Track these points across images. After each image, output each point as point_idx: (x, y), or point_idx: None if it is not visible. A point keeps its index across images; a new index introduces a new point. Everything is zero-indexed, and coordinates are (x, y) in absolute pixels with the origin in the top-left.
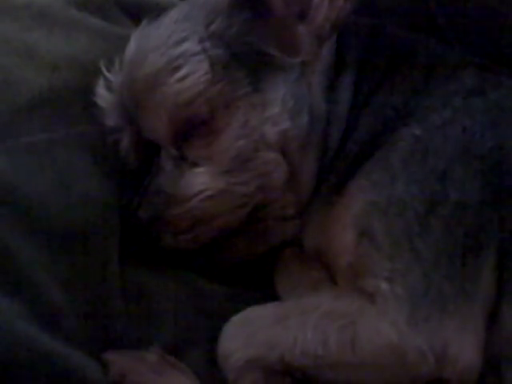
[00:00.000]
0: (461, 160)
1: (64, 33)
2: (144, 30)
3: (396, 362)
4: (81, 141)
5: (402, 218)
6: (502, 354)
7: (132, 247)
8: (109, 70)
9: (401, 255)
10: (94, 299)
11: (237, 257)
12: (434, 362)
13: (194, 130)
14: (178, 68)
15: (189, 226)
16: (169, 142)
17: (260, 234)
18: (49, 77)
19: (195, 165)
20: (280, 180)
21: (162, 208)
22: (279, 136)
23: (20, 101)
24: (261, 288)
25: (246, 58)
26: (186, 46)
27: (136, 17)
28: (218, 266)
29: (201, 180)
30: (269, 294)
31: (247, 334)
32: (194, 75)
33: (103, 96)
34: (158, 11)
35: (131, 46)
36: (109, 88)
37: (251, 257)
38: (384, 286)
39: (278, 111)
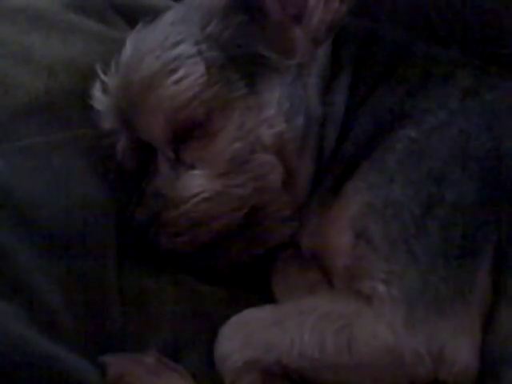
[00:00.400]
0: (457, 162)
1: (60, 36)
2: (140, 33)
3: (393, 364)
4: (77, 144)
5: (398, 220)
6: (500, 355)
7: (129, 250)
8: (105, 73)
9: (397, 257)
10: (91, 302)
11: (234, 259)
12: (431, 364)
13: (190, 132)
14: (173, 70)
15: (186, 229)
16: (165, 144)
17: (257, 235)
18: (45, 80)
19: (192, 167)
20: (276, 182)
21: (159, 210)
22: (275, 138)
23: (17, 104)
24: (258, 290)
25: (242, 61)
26: (181, 48)
27: (132, 20)
28: (215, 268)
29: (197, 182)
30: (266, 296)
31: (244, 335)
32: (189, 77)
33: (99, 99)
34: (154, 14)
35: (127, 49)
36: (105, 91)
37: (248, 259)
38: (381, 288)
39: (274, 113)
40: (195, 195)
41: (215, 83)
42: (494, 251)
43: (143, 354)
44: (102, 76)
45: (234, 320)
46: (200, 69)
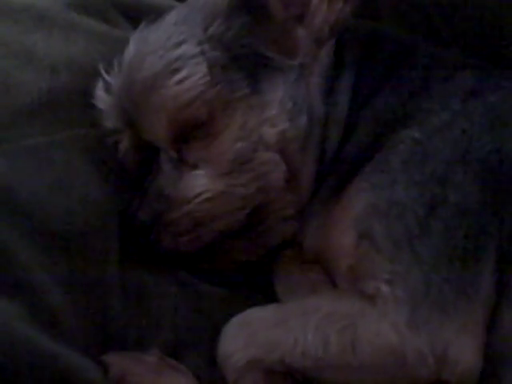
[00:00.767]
0: (460, 163)
1: (63, 35)
2: (143, 33)
3: (396, 364)
4: (80, 143)
5: (401, 221)
6: (502, 355)
7: (132, 249)
8: (108, 73)
9: (401, 257)
10: (93, 300)
11: (237, 259)
12: (434, 364)
13: (192, 132)
14: (176, 70)
15: (188, 228)
16: (168, 144)
17: (259, 235)
18: (48, 79)
19: (194, 167)
20: (279, 180)
21: (162, 210)
22: (278, 136)
23: (19, 103)
24: (260, 290)
25: (245, 61)
26: (184, 48)
27: (134, 19)
28: (217, 268)
29: (200, 182)
30: (268, 296)
31: (247, 334)
32: (192, 77)
33: (102, 98)
34: (156, 13)
35: (130, 49)
36: (108, 90)
37: (251, 259)
38: (384, 288)
39: (277, 112)
40: (198, 195)
41: (218, 83)
42: (497, 251)
43: (145, 353)
44: (105, 75)
45: (237, 319)
46: (202, 69)
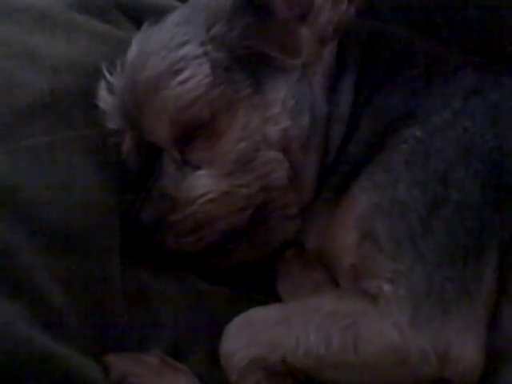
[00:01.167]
0: (462, 161)
1: (65, 36)
2: (145, 34)
3: (398, 363)
4: (82, 143)
5: (404, 220)
6: (502, 352)
7: (134, 250)
8: (110, 73)
9: (403, 256)
10: (94, 301)
11: (240, 259)
12: (436, 363)
13: (195, 132)
14: (179, 71)
15: (192, 229)
16: (171, 144)
17: (262, 235)
18: (50, 80)
19: (197, 167)
20: (282, 179)
21: (165, 211)
22: (280, 135)
23: (21, 104)
24: (262, 290)
25: (248, 61)
26: (187, 49)
27: (137, 20)
28: (220, 268)
29: (203, 183)
30: (270, 296)
31: (249, 334)
32: (195, 78)
33: (105, 99)
34: (158, 14)
35: (133, 50)
36: (110, 91)
37: (254, 259)
38: (386, 287)
39: (279, 111)
40: (201, 196)
41: (220, 84)
42: (499, 249)
43: (146, 354)
44: (108, 76)
45: (239, 319)
46: (205, 69)
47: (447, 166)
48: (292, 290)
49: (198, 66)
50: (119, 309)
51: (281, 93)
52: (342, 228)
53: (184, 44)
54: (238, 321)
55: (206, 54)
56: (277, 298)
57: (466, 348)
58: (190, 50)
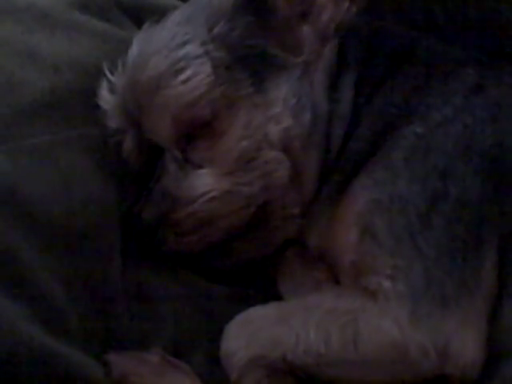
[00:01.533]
0: (461, 157)
1: (66, 35)
2: (146, 33)
3: (398, 359)
4: (83, 143)
5: (403, 216)
6: (502, 348)
7: (135, 249)
8: (112, 72)
9: (402, 252)
10: (95, 300)
11: (241, 258)
12: (436, 358)
13: (197, 131)
14: (180, 70)
15: (193, 228)
16: (172, 144)
17: (264, 234)
18: (51, 79)
19: (199, 166)
20: (284, 178)
21: (167, 210)
22: (282, 134)
23: (22, 103)
24: (263, 288)
25: (249, 60)
26: (188, 48)
27: (138, 19)
28: (222, 267)
29: (205, 181)
30: (271, 295)
31: (250, 333)
32: (196, 77)
33: (106, 98)
34: (159, 13)
35: (134, 49)
36: (112, 90)
37: (255, 257)
38: (386, 283)
39: (281, 110)
40: (203, 195)
41: (222, 83)
42: (498, 245)
43: (147, 353)
44: (109, 75)
45: (240, 317)
46: (207, 69)
47: (447, 161)
48: (293, 289)
49: (199, 65)
50: (120, 307)
51: (282, 91)
52: (343, 225)
53: (185, 43)
54: (238, 319)
55: (207, 53)
56: (277, 297)
57: (466, 343)
58: (191, 49)
